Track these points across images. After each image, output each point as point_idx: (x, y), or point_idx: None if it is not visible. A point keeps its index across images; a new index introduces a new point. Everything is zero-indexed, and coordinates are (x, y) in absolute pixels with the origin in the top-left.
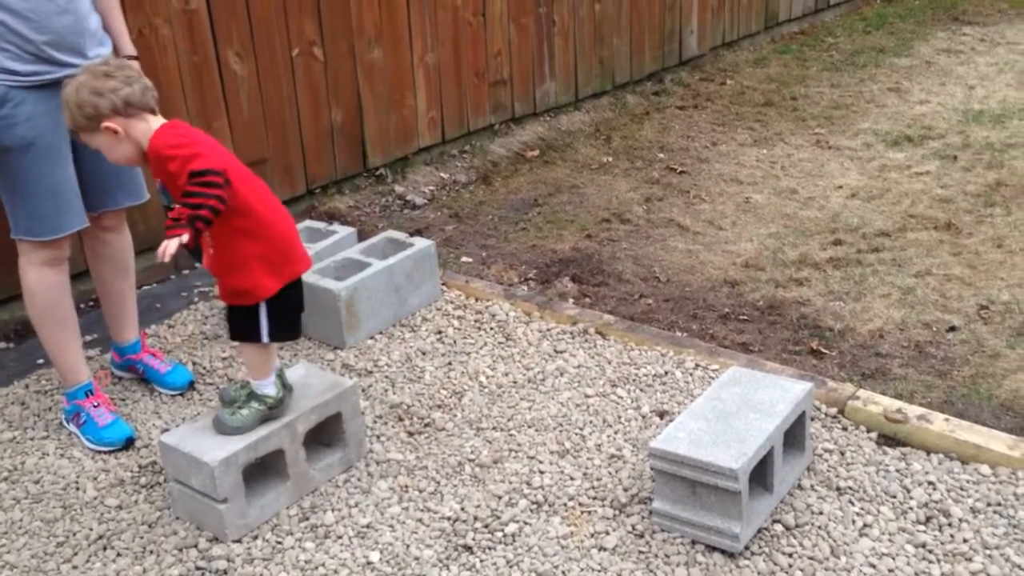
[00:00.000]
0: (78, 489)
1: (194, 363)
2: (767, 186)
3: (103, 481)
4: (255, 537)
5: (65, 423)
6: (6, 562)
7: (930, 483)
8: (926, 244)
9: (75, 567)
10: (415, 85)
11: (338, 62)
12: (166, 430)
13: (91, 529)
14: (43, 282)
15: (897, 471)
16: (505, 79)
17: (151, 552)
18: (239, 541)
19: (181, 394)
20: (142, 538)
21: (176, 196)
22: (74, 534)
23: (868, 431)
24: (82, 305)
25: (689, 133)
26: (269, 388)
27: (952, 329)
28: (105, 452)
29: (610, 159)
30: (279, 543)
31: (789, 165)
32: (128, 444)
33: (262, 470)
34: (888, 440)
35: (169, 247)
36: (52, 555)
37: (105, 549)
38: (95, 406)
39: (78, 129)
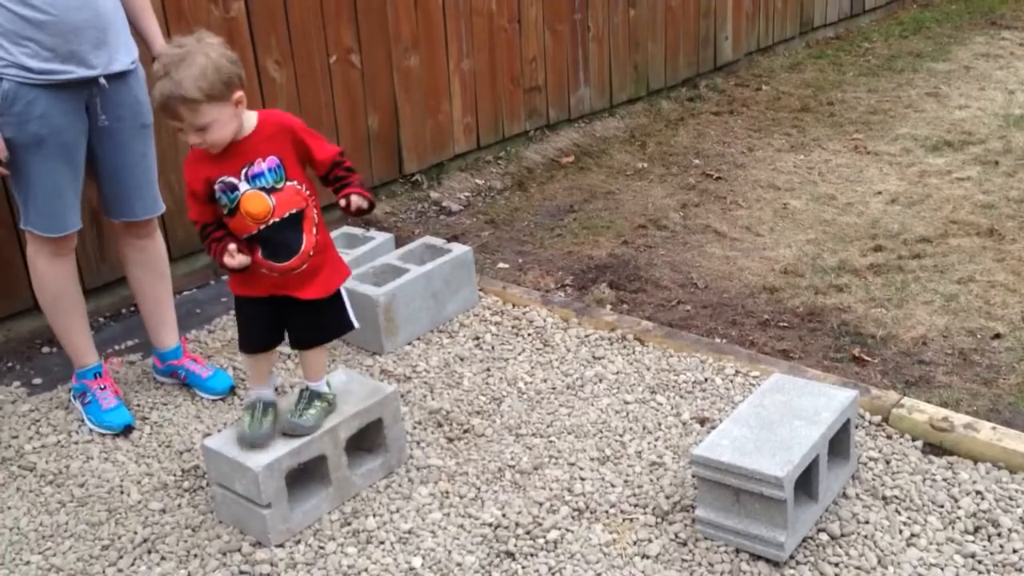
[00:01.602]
0: (122, 493)
1: (234, 368)
2: (805, 192)
3: (147, 485)
4: (298, 542)
5: (72, 399)
6: (52, 565)
7: (978, 492)
8: (968, 250)
9: (120, 570)
10: (451, 92)
11: (375, 69)
12: (208, 435)
13: (136, 532)
14: (51, 271)
15: (944, 480)
16: (540, 85)
17: (195, 556)
18: (282, 546)
19: (223, 399)
20: (186, 542)
21: (294, 171)
22: (119, 537)
23: (913, 439)
24: (123, 311)
25: (725, 139)
26: (325, 386)
27: (997, 336)
28: (109, 436)
29: (645, 165)
30: (321, 548)
31: (827, 171)
32: (127, 431)
33: (304, 475)
34: (934, 449)
35: (362, 204)
36: (98, 558)
37: (150, 552)
38: (101, 388)
39: (210, 98)
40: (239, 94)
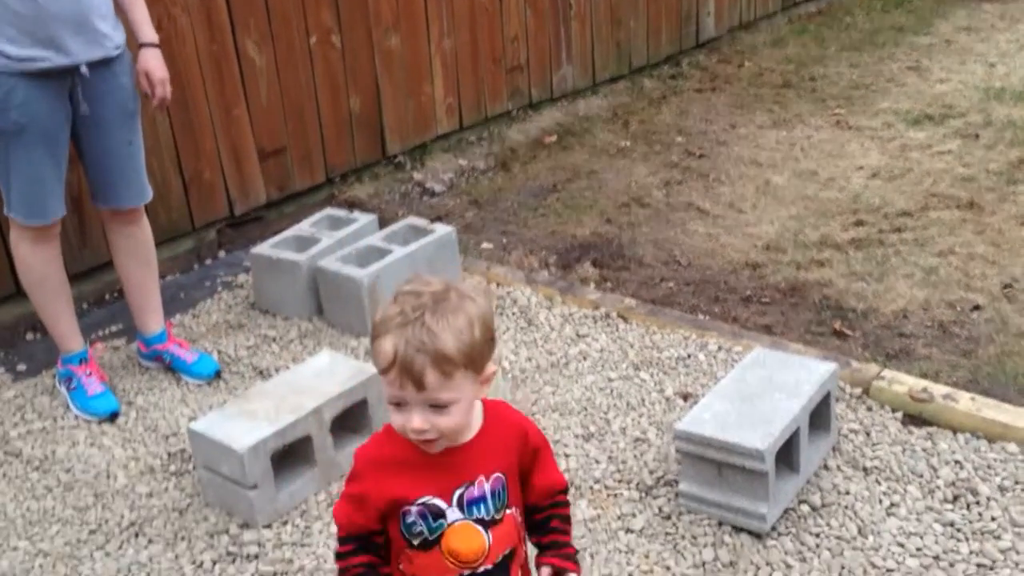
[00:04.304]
0: (109, 477)
1: (219, 352)
2: (787, 168)
3: (133, 469)
4: (285, 523)
5: (57, 384)
6: (40, 550)
7: (957, 462)
8: (949, 223)
9: (108, 554)
10: (432, 72)
11: (356, 50)
12: (193, 418)
13: (123, 516)
14: (35, 256)
15: (923, 450)
16: (522, 64)
17: (183, 538)
18: (269, 526)
19: (208, 383)
20: (173, 524)
21: (515, 493)
22: (106, 521)
23: (893, 411)
24: (107, 296)
25: (707, 116)
26: None
27: (976, 308)
28: (95, 421)
29: (628, 143)
30: (308, 528)
31: (809, 146)
32: (112, 417)
33: (290, 457)
34: (913, 420)
35: None
36: (85, 542)
37: (137, 536)
38: (87, 374)
39: (467, 363)
40: (492, 368)
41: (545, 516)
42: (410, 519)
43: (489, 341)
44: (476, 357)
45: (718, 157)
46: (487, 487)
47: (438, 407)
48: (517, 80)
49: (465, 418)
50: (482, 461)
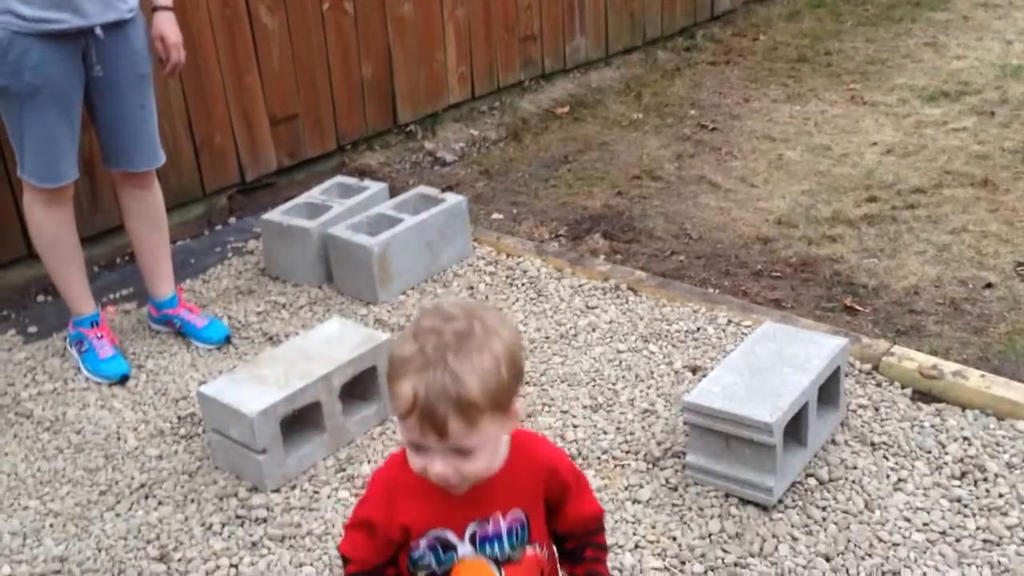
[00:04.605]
0: (119, 439)
1: (229, 317)
2: (800, 143)
3: (143, 432)
4: (293, 487)
5: (68, 346)
6: (50, 509)
7: (965, 439)
8: (962, 201)
9: (118, 515)
10: (445, 40)
11: (368, 16)
12: (203, 383)
13: (133, 478)
14: (47, 219)
15: (932, 427)
16: (535, 34)
17: (192, 501)
18: (278, 491)
19: (218, 348)
20: (183, 487)
21: (539, 529)
22: (116, 483)
23: (903, 387)
24: (118, 260)
25: (721, 89)
26: None
27: (988, 286)
28: (105, 384)
29: (641, 116)
30: (316, 493)
31: (823, 121)
32: (123, 380)
33: (299, 422)
34: (923, 396)
35: None
36: (95, 503)
37: (147, 498)
38: (98, 337)
39: (494, 407)
40: (519, 404)
41: (578, 545)
42: (417, 553)
43: (516, 377)
44: (503, 399)
45: (731, 131)
46: (503, 525)
47: (462, 452)
48: (530, 50)
49: (491, 460)
50: (501, 498)
